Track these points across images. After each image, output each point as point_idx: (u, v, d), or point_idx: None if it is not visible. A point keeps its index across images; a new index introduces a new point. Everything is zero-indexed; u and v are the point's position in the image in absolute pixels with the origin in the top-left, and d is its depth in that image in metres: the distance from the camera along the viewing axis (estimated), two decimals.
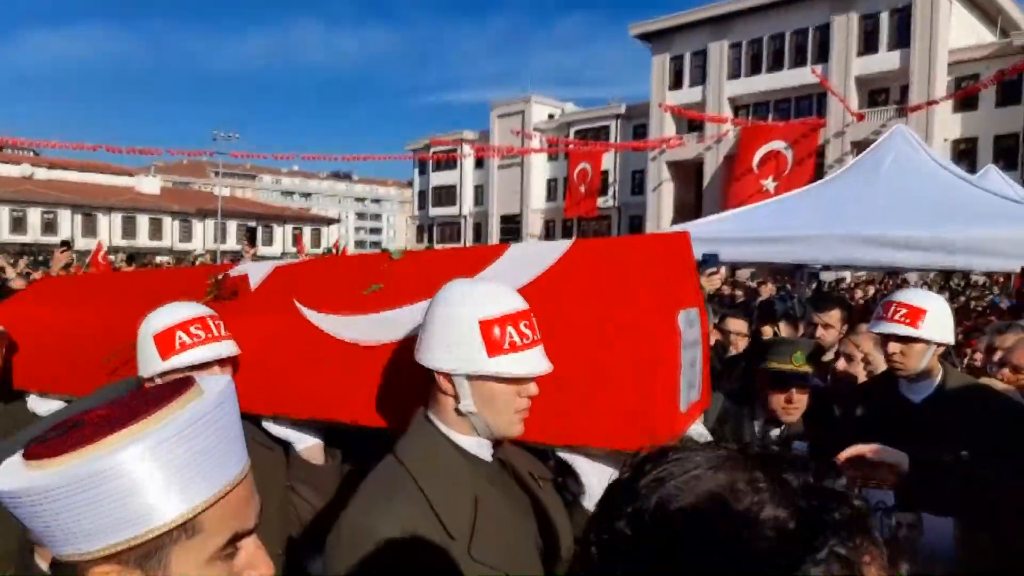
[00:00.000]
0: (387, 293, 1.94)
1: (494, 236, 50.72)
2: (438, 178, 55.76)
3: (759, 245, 6.90)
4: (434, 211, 56.45)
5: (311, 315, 1.97)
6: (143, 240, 51.34)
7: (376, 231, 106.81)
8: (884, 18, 33.33)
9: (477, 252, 2.14)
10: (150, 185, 56.40)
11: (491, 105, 51.72)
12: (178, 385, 0.83)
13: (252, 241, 9.30)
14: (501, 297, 1.52)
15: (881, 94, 34.75)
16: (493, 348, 1.45)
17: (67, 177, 53.41)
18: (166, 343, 1.88)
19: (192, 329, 1.89)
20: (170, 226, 53.78)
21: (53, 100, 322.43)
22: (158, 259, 32.71)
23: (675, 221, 34.31)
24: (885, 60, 33.33)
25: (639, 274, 1.77)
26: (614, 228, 45.14)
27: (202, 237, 54.23)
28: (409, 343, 1.65)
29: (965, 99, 29.70)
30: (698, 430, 1.93)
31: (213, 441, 0.80)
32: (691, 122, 38.69)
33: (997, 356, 3.23)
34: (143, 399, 0.81)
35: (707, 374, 2.03)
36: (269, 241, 56.11)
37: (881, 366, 3.09)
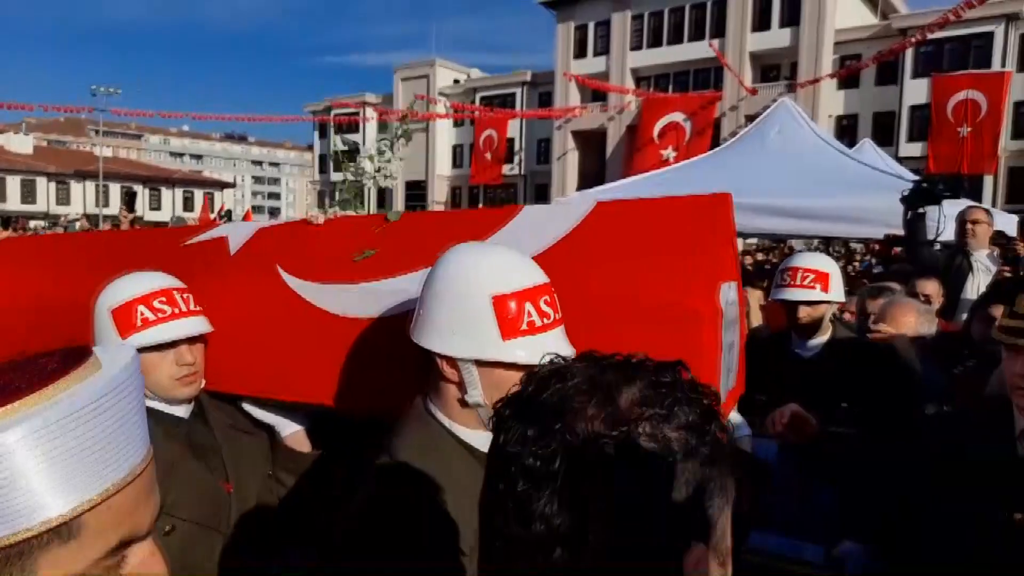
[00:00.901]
0: (382, 260, 1.73)
1: (399, 202, 49.82)
2: (339, 142, 54.04)
3: None
4: (336, 175, 54.75)
5: (295, 283, 1.75)
6: (14, 203, 47.23)
7: (275, 195, 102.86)
8: None
9: (485, 214, 1.93)
10: (20, 144, 51.78)
11: (395, 68, 50.44)
12: (72, 356, 0.69)
13: (131, 206, 8.63)
14: (518, 268, 1.29)
15: (773, 70, 36.20)
16: (508, 329, 1.23)
17: None
18: (125, 319, 1.64)
19: (156, 303, 1.65)
20: (45, 188, 49.72)
21: None
22: (32, 224, 30.32)
23: (580, 189, 34.79)
24: (777, 37, 34.68)
25: (675, 244, 1.55)
26: (520, 196, 45.27)
27: (82, 200, 50.46)
28: (406, 319, 1.44)
29: (848, 77, 31.38)
30: (735, 420, 1.77)
31: (108, 429, 0.66)
32: (595, 92, 39.10)
33: (871, 317, 3.47)
34: (26, 371, 0.67)
35: (743, 357, 1.83)
36: (157, 205, 52.91)
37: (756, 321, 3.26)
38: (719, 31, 35.86)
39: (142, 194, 52.14)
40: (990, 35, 30.19)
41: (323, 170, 56.17)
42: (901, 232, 5.13)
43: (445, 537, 1.14)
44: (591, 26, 40.19)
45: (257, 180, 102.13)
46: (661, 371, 0.64)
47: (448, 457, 1.24)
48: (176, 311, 1.67)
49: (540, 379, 0.66)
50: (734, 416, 1.76)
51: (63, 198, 50.42)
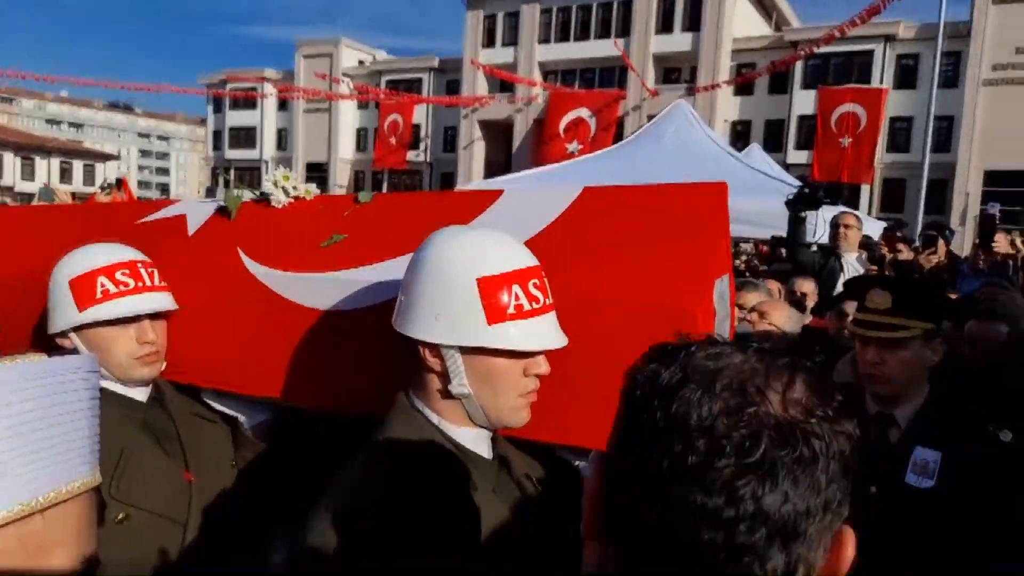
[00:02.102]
0: (352, 247, 1.63)
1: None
2: (236, 117, 51.61)
3: None
4: (231, 153, 52.32)
5: (258, 270, 1.63)
6: None
7: (163, 171, 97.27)
8: (679, 1, 35.70)
9: (464, 197, 1.84)
10: None
11: (297, 44, 48.66)
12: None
13: None
14: (505, 249, 1.23)
15: (675, 72, 37.41)
16: (495, 314, 1.16)
17: None
18: (85, 290, 1.54)
19: (118, 275, 1.56)
20: None
21: None
22: None
23: (486, 179, 34.86)
24: (679, 40, 35.82)
25: (669, 237, 1.48)
26: (425, 182, 44.85)
27: None
28: (378, 311, 1.36)
29: (743, 85, 32.87)
30: None
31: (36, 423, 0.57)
32: (503, 83, 39.18)
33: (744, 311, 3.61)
34: None
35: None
36: (30, 175, 48.88)
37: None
38: (625, 30, 36.67)
39: (13, 162, 48.06)
40: (871, 53, 32.36)
41: (217, 147, 53.60)
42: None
43: (429, 535, 1.07)
44: (500, 16, 40.17)
45: (144, 154, 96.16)
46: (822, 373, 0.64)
47: (432, 453, 1.18)
48: (140, 284, 1.59)
49: (700, 347, 0.64)
50: None
51: None
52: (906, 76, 32.36)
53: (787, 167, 31.01)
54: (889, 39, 32.08)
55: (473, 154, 41.57)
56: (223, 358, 1.65)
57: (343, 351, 1.50)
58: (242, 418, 1.74)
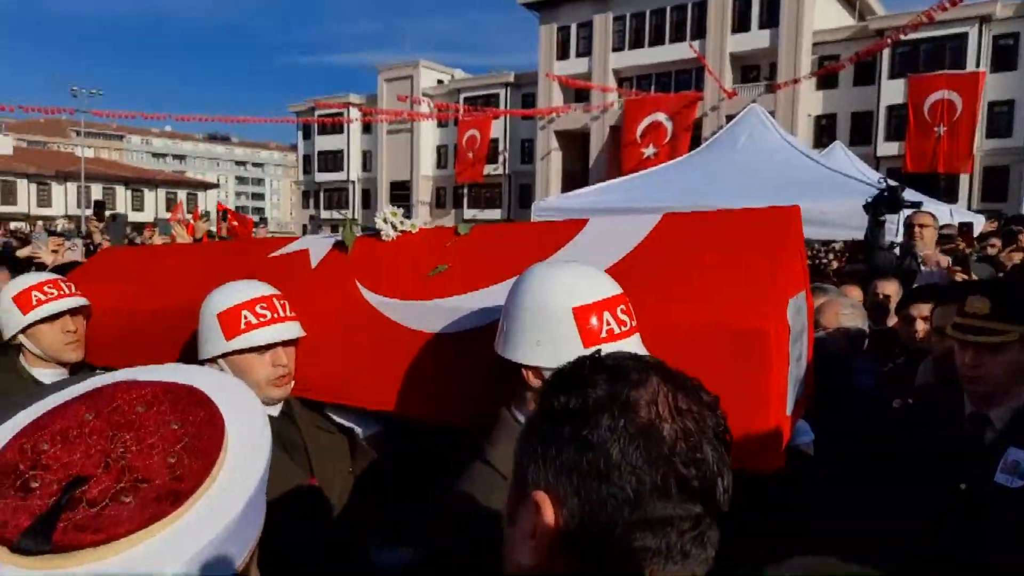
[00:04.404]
0: (454, 276, 1.82)
1: (383, 202, 49.75)
2: (324, 142, 53.92)
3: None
4: (320, 176, 54.66)
5: (373, 299, 1.85)
6: None
7: (259, 196, 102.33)
8: None
9: (552, 228, 1.99)
10: (1, 145, 51.35)
11: (378, 69, 50.41)
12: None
13: (100, 215, 8.44)
14: (594, 280, 1.37)
15: (753, 70, 36.57)
16: (590, 338, 1.30)
17: None
18: (231, 322, 1.77)
19: (258, 308, 1.79)
20: (26, 189, 49.31)
21: None
22: (12, 225, 30.09)
23: (564, 189, 35.00)
24: (757, 38, 35.02)
25: (744, 261, 1.56)
26: (504, 195, 45.45)
27: (63, 201, 50.08)
28: (477, 334, 1.54)
29: (826, 78, 31.78)
30: (800, 426, 1.78)
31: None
32: (578, 93, 39.31)
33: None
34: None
35: (810, 362, 1.87)
36: (139, 206, 52.58)
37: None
38: (700, 32, 36.16)
39: (124, 195, 51.77)
40: (964, 36, 30.70)
41: (307, 171, 56.04)
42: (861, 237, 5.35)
43: None
44: (573, 27, 40.37)
45: (240, 180, 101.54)
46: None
47: None
48: (275, 316, 1.81)
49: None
50: (800, 423, 1.82)
51: (44, 200, 50.02)
52: (1005, 57, 30.51)
53: (877, 160, 29.86)
54: (984, 20, 30.36)
55: (550, 165, 41.83)
56: (343, 376, 1.85)
57: (447, 369, 1.68)
58: (358, 429, 1.96)
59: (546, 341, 1.31)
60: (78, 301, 2.27)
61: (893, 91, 32.20)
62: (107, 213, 9.19)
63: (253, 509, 0.67)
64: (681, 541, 0.68)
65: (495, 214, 43.35)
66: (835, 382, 2.66)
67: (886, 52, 30.36)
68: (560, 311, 1.31)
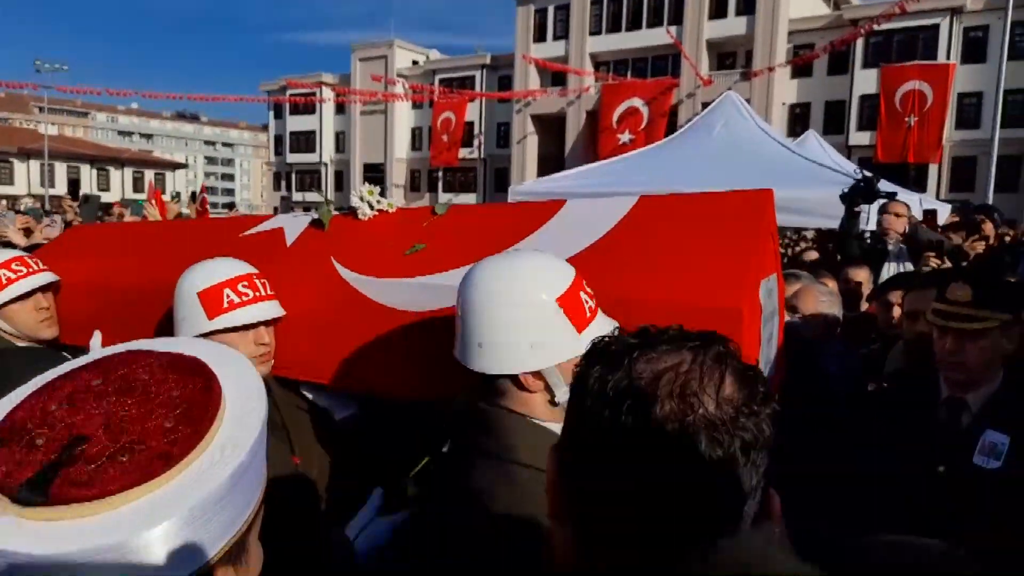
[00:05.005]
0: (431, 255, 1.81)
1: (356, 184, 49.13)
2: (296, 123, 53.14)
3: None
4: (292, 157, 53.92)
5: (349, 276, 1.83)
6: None
7: (228, 177, 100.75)
8: None
9: (530, 209, 1.97)
10: None
11: (352, 48, 49.71)
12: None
13: (76, 195, 8.33)
14: (558, 266, 1.36)
15: (729, 57, 36.74)
16: (580, 323, 1.29)
17: None
18: (213, 301, 1.73)
19: (240, 287, 1.76)
20: None
21: None
22: None
23: (540, 174, 34.96)
24: (733, 25, 35.15)
25: (716, 242, 1.58)
26: (479, 179, 45.27)
27: (26, 180, 48.73)
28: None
29: (801, 66, 32.03)
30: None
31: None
32: (555, 76, 39.18)
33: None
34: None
35: (782, 343, 1.88)
36: (105, 185, 51.39)
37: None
38: (677, 18, 36.19)
39: (89, 174, 50.58)
40: (936, 27, 31.13)
41: (279, 152, 55.26)
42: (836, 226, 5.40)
43: None
44: (551, 10, 40.18)
45: (210, 161, 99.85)
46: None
47: None
48: (257, 295, 1.78)
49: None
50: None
51: (5, 177, 48.61)
52: (975, 50, 31.01)
53: (848, 149, 30.22)
54: (956, 12, 30.80)
55: (526, 149, 41.74)
56: (320, 355, 1.82)
57: (424, 346, 1.66)
58: (333, 411, 1.93)
59: (541, 341, 1.27)
60: (48, 277, 2.24)
61: (866, 81, 32.59)
62: (80, 193, 9.00)
63: (247, 478, 0.69)
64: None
65: (471, 198, 43.15)
66: (809, 367, 2.69)
67: (860, 42, 30.70)
68: (547, 308, 1.28)
